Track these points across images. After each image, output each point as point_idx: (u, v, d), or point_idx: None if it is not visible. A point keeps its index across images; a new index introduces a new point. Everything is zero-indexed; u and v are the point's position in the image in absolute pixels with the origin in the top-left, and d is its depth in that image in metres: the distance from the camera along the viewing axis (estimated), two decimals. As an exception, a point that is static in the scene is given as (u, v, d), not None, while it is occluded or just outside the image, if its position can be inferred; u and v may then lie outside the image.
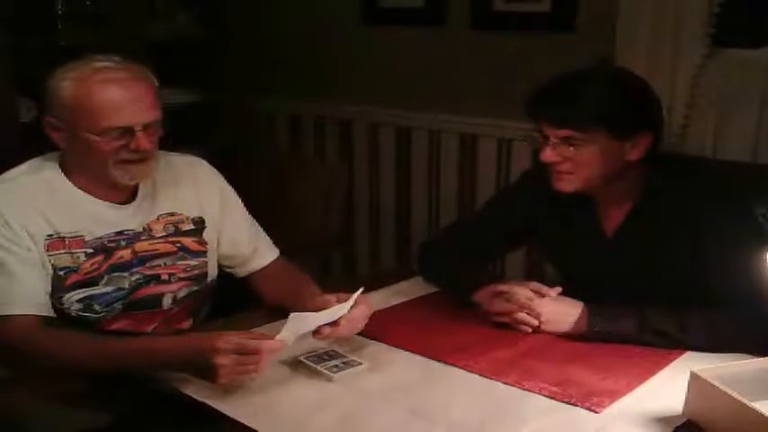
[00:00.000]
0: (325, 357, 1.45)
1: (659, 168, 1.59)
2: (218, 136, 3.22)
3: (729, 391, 1.17)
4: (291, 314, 1.38)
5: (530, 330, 1.57)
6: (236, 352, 1.31)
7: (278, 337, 1.36)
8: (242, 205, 1.83)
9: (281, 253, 1.84)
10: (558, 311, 1.56)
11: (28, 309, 1.50)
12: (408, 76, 2.91)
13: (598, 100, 1.52)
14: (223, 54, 3.30)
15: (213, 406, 1.30)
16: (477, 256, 1.83)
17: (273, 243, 1.84)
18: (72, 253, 1.56)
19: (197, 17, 3.23)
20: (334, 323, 1.46)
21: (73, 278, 1.56)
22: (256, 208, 1.87)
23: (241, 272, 1.81)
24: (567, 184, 1.59)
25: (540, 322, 1.56)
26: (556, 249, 1.80)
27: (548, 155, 1.56)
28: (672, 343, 1.49)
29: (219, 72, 3.31)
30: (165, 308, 1.68)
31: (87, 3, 2.92)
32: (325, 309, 1.46)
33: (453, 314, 1.67)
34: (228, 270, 1.81)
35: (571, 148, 1.54)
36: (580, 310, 1.55)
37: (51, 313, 1.54)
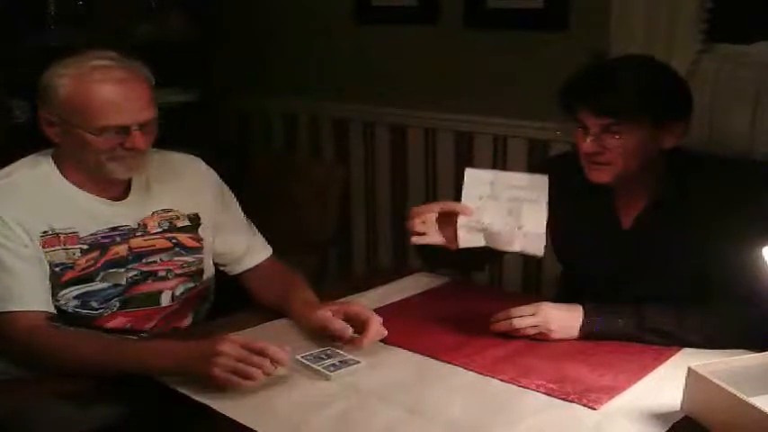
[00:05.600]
0: (323, 356, 1.45)
1: (680, 161, 1.59)
2: (213, 136, 3.22)
3: (727, 387, 1.17)
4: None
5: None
6: (243, 347, 1.32)
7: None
8: (237, 203, 1.83)
9: (278, 252, 1.84)
10: (566, 318, 1.53)
11: (35, 305, 1.50)
12: (403, 75, 2.91)
13: (640, 86, 1.51)
14: (217, 54, 3.29)
15: (212, 405, 1.29)
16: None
17: (270, 242, 1.85)
18: (67, 249, 1.55)
19: (190, 17, 3.22)
20: (363, 335, 1.48)
21: (68, 275, 1.56)
22: (252, 207, 1.87)
23: (234, 269, 1.81)
24: (604, 175, 1.56)
25: (550, 330, 1.52)
26: (571, 242, 1.78)
27: (588, 145, 1.52)
28: (672, 341, 1.49)
29: (214, 72, 3.30)
30: (165, 305, 1.68)
31: (79, 3, 2.91)
32: (324, 322, 1.50)
33: (450, 312, 1.67)
34: (222, 268, 1.81)
35: (616, 137, 1.51)
36: (582, 313, 1.53)
37: (54, 310, 1.54)
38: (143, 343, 1.53)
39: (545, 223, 1.52)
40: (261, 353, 1.33)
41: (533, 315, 1.52)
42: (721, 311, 1.47)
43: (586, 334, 1.52)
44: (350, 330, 1.48)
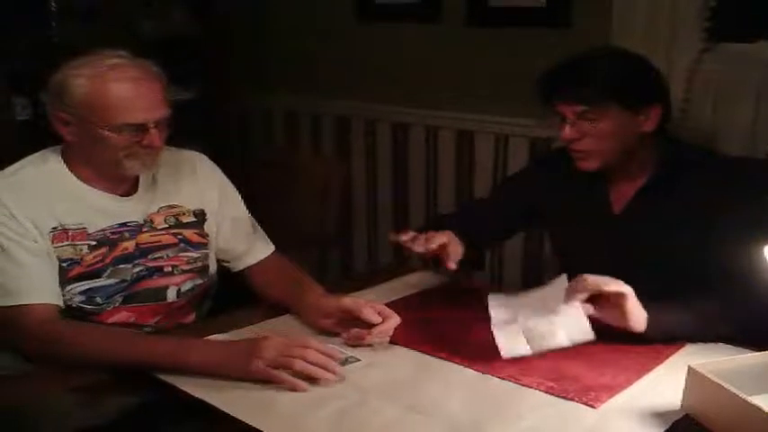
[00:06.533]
0: (323, 354, 1.44)
1: (672, 148, 1.64)
2: (215, 133, 3.22)
3: (727, 386, 1.17)
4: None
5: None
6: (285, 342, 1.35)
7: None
8: (240, 200, 1.84)
9: (279, 249, 1.85)
10: (638, 306, 1.44)
11: (47, 298, 1.51)
12: (404, 73, 2.91)
13: (607, 74, 1.58)
14: (219, 51, 3.30)
15: (211, 402, 1.29)
16: (487, 233, 1.84)
17: (271, 240, 1.85)
18: (75, 245, 1.57)
19: (192, 14, 3.22)
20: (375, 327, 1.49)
21: (76, 270, 1.56)
22: (254, 205, 1.88)
23: (237, 266, 1.82)
24: (589, 163, 1.63)
25: (629, 321, 1.43)
26: (567, 232, 1.80)
27: (567, 133, 1.61)
28: (709, 330, 1.46)
29: (215, 69, 3.31)
30: (170, 300, 1.68)
31: (80, -1, 2.92)
32: (353, 307, 1.50)
33: (450, 310, 1.68)
34: (224, 264, 1.82)
35: (588, 123, 1.58)
36: (645, 311, 1.45)
37: (62, 304, 1.55)
38: (171, 338, 1.50)
39: (579, 308, 1.41)
40: (303, 344, 1.35)
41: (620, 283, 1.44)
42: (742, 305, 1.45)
43: (651, 328, 1.44)
44: (379, 320, 1.50)
